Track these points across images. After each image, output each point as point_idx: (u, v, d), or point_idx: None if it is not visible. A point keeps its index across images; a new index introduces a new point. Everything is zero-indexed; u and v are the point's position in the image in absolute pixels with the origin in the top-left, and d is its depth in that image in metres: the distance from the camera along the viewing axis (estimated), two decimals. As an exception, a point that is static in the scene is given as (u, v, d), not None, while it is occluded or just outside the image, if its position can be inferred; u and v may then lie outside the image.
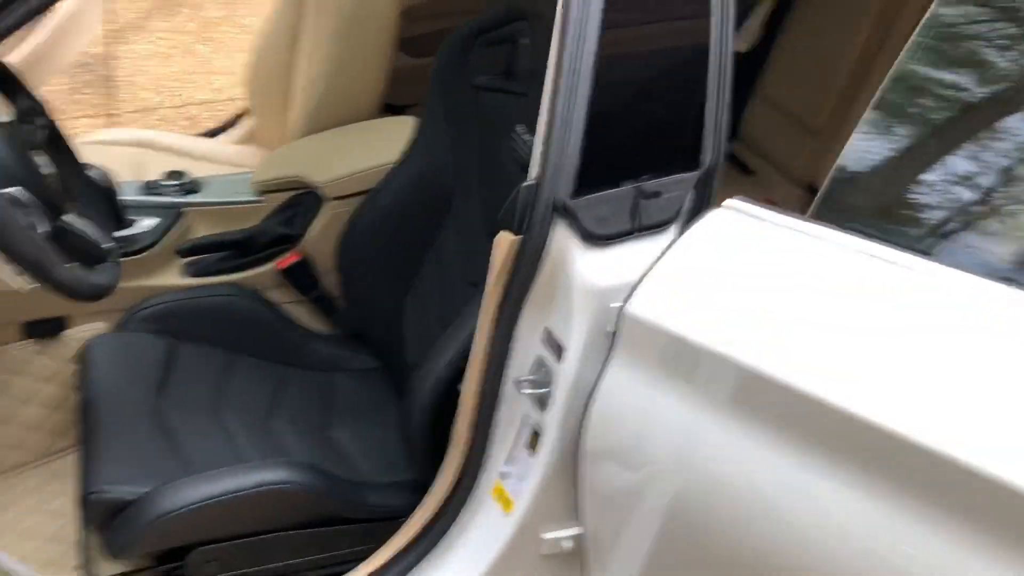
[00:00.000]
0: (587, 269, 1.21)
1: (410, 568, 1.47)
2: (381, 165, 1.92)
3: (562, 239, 1.22)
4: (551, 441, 1.32)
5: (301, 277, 2.00)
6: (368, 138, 2.05)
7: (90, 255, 1.47)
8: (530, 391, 1.32)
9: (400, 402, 1.61)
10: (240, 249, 1.97)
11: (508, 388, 1.36)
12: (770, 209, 1.16)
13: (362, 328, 2.02)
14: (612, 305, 1.22)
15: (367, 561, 1.50)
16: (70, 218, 1.44)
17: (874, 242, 1.08)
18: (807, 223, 1.13)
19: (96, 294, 1.38)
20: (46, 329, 1.84)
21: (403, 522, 1.55)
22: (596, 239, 1.20)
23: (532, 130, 1.24)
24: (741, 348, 1.09)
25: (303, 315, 2.05)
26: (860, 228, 1.08)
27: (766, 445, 1.07)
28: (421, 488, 1.56)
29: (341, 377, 1.98)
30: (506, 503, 1.41)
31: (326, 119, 2.09)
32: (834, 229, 1.10)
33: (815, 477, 1.02)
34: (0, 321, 1.79)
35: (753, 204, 1.19)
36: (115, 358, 1.77)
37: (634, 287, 1.20)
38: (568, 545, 1.42)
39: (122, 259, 1.86)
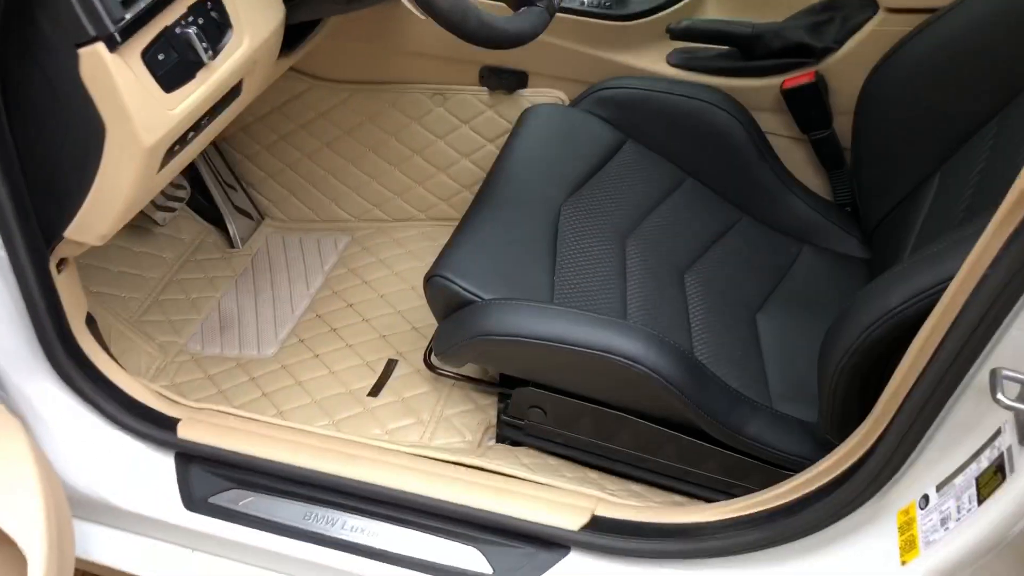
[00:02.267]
0: None
1: (753, 547, 1.01)
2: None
3: None
4: (1016, 499, 0.72)
5: (808, 107, 1.48)
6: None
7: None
8: (1014, 404, 0.72)
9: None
10: (743, 48, 1.50)
11: (981, 378, 0.77)
12: None
13: (864, 200, 1.45)
14: None
15: (715, 505, 1.08)
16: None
17: None
18: None
19: (479, 36, 1.08)
20: (503, 82, 1.60)
21: (773, 472, 1.11)
22: None
23: None
24: None
25: (796, 158, 1.54)
26: None
27: None
28: (819, 443, 1.08)
29: (809, 252, 1.47)
30: (909, 544, 0.86)
31: None
32: None
33: None
34: (463, 58, 1.60)
35: None
36: (548, 135, 1.48)
37: None
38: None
39: (609, 21, 1.54)
